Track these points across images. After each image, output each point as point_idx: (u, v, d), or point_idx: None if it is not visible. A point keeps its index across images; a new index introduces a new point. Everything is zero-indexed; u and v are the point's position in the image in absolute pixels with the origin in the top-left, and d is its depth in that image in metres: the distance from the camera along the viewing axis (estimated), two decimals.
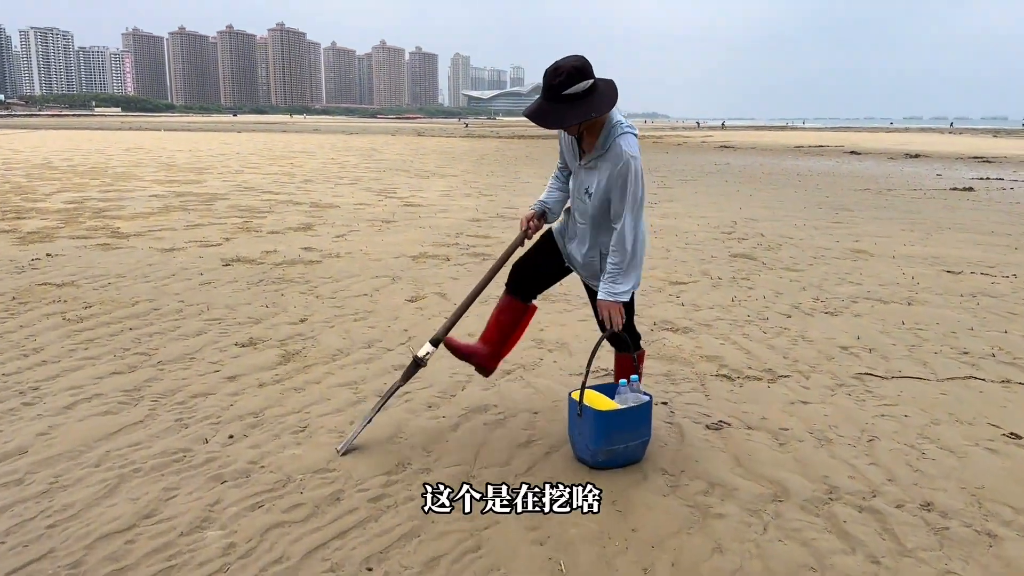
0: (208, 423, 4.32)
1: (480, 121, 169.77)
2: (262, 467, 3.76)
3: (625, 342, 3.94)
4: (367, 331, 6.05)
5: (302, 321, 6.32)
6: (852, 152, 37.19)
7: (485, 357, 4.07)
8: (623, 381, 3.77)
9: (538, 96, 3.39)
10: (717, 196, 16.60)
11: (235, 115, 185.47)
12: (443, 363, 5.22)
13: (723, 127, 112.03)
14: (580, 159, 3.58)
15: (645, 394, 3.79)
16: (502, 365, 5.17)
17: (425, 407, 4.55)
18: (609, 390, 3.91)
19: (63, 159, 25.63)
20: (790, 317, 6.49)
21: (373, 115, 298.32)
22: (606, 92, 3.33)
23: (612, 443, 3.66)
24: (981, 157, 32.67)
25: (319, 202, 14.63)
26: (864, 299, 7.13)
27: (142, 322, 6.29)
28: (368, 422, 3.96)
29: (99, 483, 3.57)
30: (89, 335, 5.91)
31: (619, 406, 3.70)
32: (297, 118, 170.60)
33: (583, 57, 3.32)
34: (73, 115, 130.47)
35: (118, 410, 4.49)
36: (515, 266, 3.93)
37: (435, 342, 3.91)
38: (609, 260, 3.58)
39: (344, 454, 3.86)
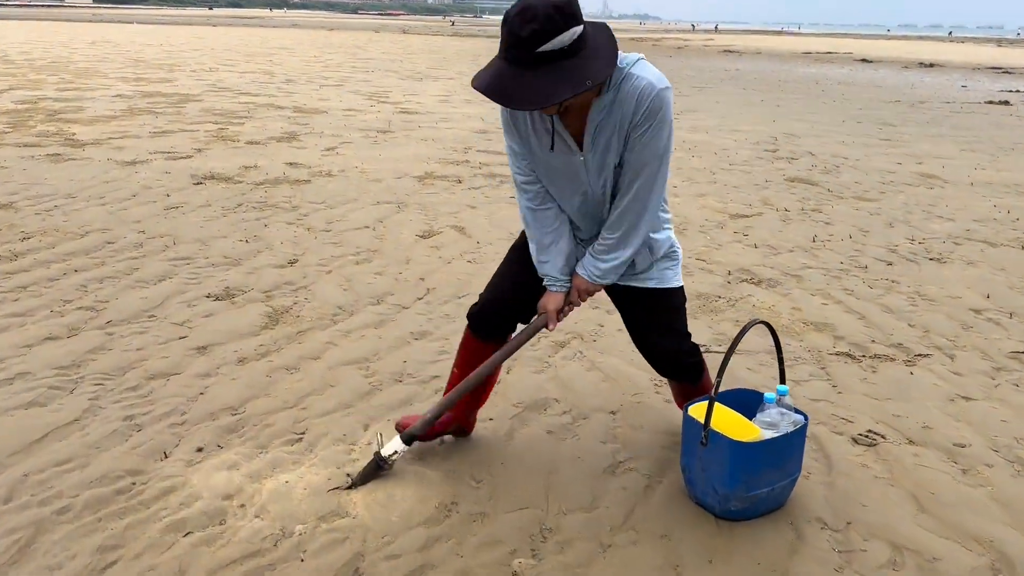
0: (169, 424, 3.15)
1: (466, 20, 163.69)
2: (242, 507, 2.61)
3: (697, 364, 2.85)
4: (373, 280, 4.82)
5: (291, 264, 5.08)
6: (863, 60, 35.42)
7: (463, 420, 2.99)
8: (770, 396, 2.59)
9: (494, 56, 2.14)
10: (741, 107, 15.19)
11: (211, 8, 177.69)
12: None
13: (716, 30, 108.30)
14: (568, 144, 2.34)
15: (798, 412, 2.63)
16: (556, 334, 3.99)
17: None
18: (739, 399, 2.75)
19: (21, 52, 23.56)
20: (892, 265, 5.31)
21: (354, 10, 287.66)
22: (601, 42, 2.13)
23: (753, 487, 2.53)
24: (998, 68, 31.10)
25: (303, 106, 13.12)
26: (967, 240, 5.96)
27: (91, 261, 5.03)
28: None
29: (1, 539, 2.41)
30: (22, 279, 4.66)
31: (763, 432, 2.54)
32: (276, 12, 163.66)
33: None
34: (41, 5, 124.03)
35: (47, 400, 3.30)
36: (487, 300, 2.75)
37: (408, 439, 2.73)
38: (605, 233, 2.49)
39: (355, 487, 2.72)
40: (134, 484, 2.76)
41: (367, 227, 5.94)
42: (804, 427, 2.58)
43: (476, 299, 2.80)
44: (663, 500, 2.68)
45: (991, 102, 17.43)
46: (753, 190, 7.56)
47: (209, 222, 5.95)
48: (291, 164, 8.14)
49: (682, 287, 2.69)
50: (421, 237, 5.70)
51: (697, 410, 2.65)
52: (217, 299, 4.45)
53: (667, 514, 2.61)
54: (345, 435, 3.08)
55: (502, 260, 2.80)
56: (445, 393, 2.88)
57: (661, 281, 2.61)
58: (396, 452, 2.70)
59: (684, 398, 2.94)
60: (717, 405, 2.65)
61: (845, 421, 3.21)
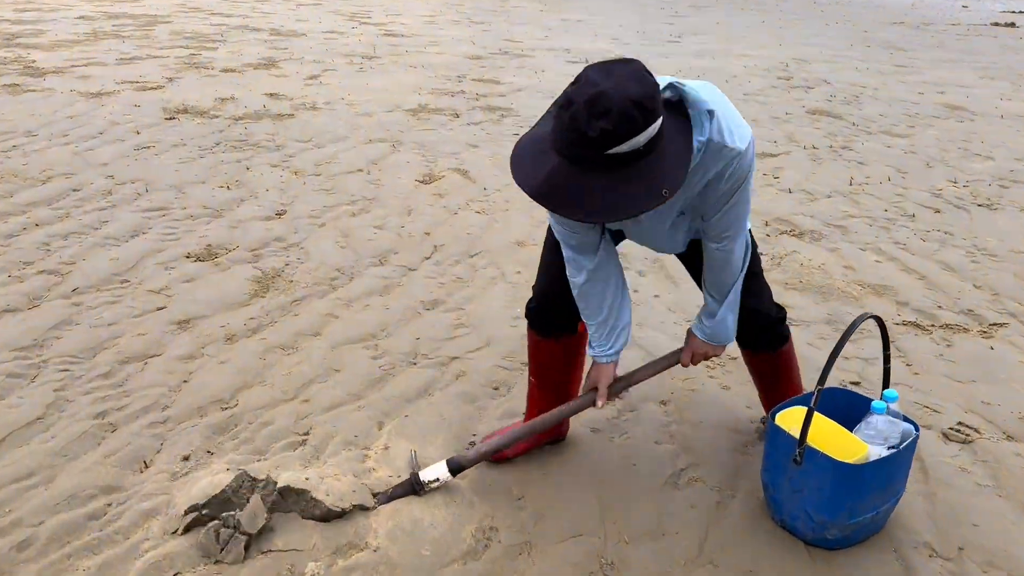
0: (148, 423, 2.69)
1: None
2: (241, 535, 2.17)
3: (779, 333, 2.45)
4: (373, 235, 4.30)
5: (279, 215, 4.54)
6: None
7: (519, 453, 2.54)
8: (878, 405, 2.15)
9: (540, 132, 1.72)
10: (744, 29, 14.46)
11: None
12: (495, 305, 3.57)
13: None
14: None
15: (907, 420, 2.20)
16: None
17: (489, 386, 2.93)
18: (831, 401, 2.32)
19: None
20: (940, 213, 4.86)
21: None
22: (678, 129, 1.72)
23: (857, 513, 2.12)
24: None
25: (280, 29, 12.26)
26: (1013, 183, 5.51)
27: (54, 213, 4.46)
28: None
29: None
30: None
31: (870, 448, 2.11)
32: None
33: (640, 65, 1.64)
34: None
35: (4, 392, 2.83)
36: (542, 295, 2.35)
37: (456, 469, 2.32)
38: (709, 291, 2.21)
39: (382, 504, 2.28)
40: (109, 506, 2.31)
41: (360, 170, 5.38)
42: (915, 441, 2.15)
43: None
44: (740, 522, 2.27)
45: (997, 24, 16.80)
46: (774, 124, 7.02)
47: (184, 165, 5.36)
48: (271, 95, 7.48)
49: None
50: (421, 182, 5.16)
51: (787, 418, 2.22)
52: (198, 260, 3.93)
53: (748, 541, 2.20)
54: (357, 436, 2.63)
55: (545, 242, 2.33)
56: (528, 409, 2.54)
57: None
58: (437, 480, 2.30)
59: (761, 375, 2.53)
60: (793, 409, 2.22)
61: (931, 411, 2.80)
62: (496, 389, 2.91)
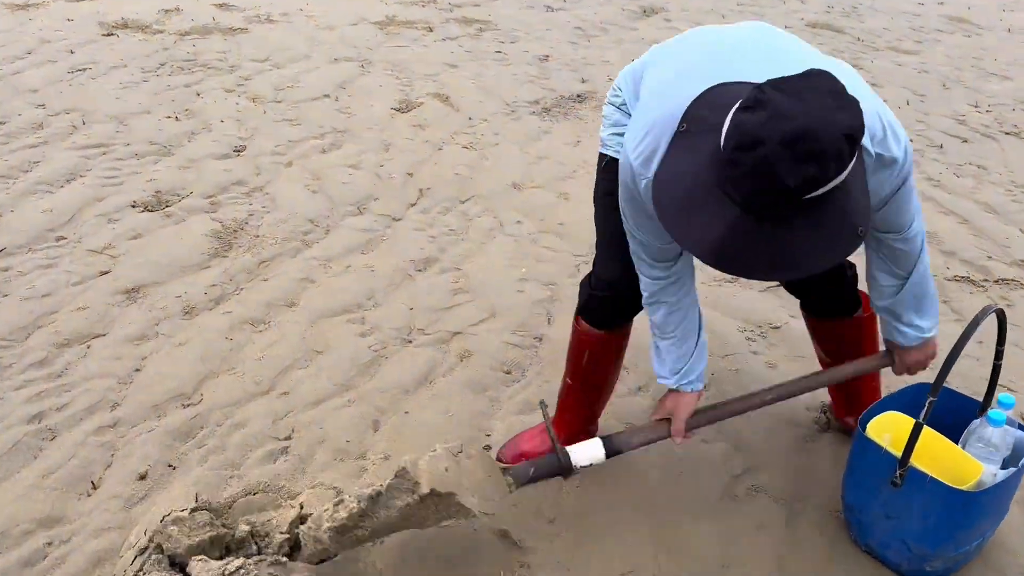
0: (95, 428, 2.25)
1: None
2: None
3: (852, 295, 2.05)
4: (349, 176, 3.77)
5: (238, 152, 3.97)
6: None
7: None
8: (996, 416, 1.77)
9: (690, 166, 1.32)
10: None
11: None
12: (497, 263, 3.11)
13: None
14: None
15: (1022, 427, 1.83)
16: None
17: (499, 369, 2.51)
18: (913, 401, 1.94)
19: None
20: (968, 143, 4.45)
21: None
22: (857, 162, 1.27)
23: (965, 543, 1.77)
24: None
25: None
26: None
27: None
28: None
29: None
30: None
31: (986, 468, 1.74)
32: None
33: (829, 76, 1.22)
34: None
35: None
36: (604, 286, 1.92)
37: (611, 452, 1.82)
38: (908, 284, 1.78)
39: (523, 485, 1.82)
40: (50, 545, 1.89)
41: (328, 96, 4.78)
42: None
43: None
44: (818, 547, 1.92)
45: None
46: None
47: (126, 91, 4.71)
48: (221, 6, 6.71)
49: None
50: (398, 111, 4.59)
51: (879, 427, 1.84)
52: (147, 210, 3.39)
53: (831, 572, 1.84)
54: (349, 441, 2.21)
55: (604, 214, 1.87)
56: (560, 413, 2.14)
57: None
58: (591, 465, 1.82)
59: (828, 350, 2.14)
60: (906, 419, 1.84)
61: (1004, 389, 2.44)
62: (508, 373, 2.49)
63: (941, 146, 4.38)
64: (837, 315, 2.06)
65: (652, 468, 2.13)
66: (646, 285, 1.72)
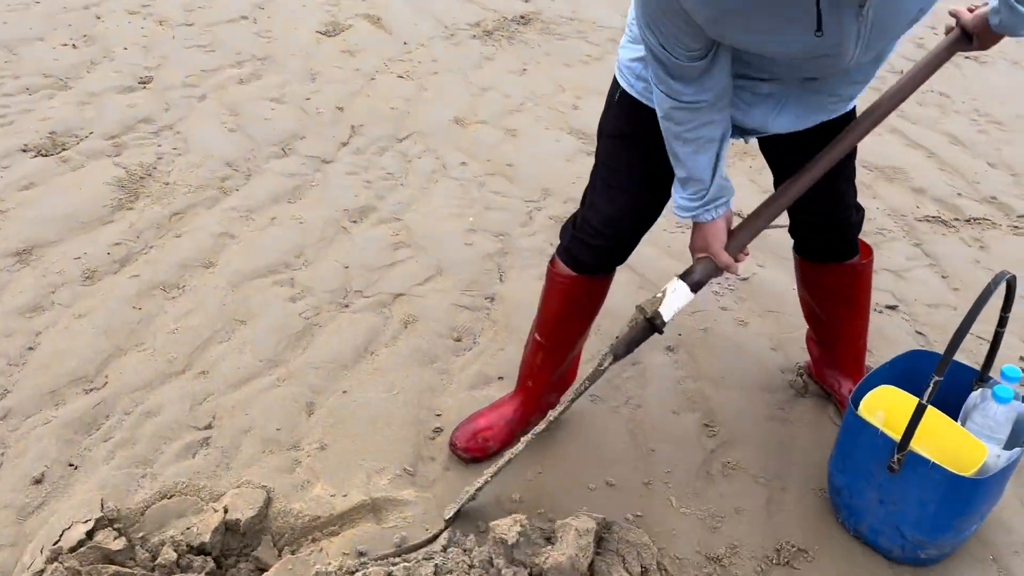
0: None
1: None
2: None
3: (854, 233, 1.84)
4: (271, 111, 3.39)
5: (144, 84, 3.54)
6: None
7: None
8: (1002, 393, 1.60)
9: None
10: None
11: None
12: (441, 212, 2.82)
13: None
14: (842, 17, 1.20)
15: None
16: (545, 206, 2.83)
17: (449, 336, 2.26)
18: (908, 369, 1.78)
19: None
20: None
21: None
22: None
23: (965, 530, 1.62)
24: None
25: None
26: None
27: None
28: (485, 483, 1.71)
29: None
30: None
31: (990, 450, 1.58)
32: None
33: None
34: None
35: None
36: (597, 227, 1.69)
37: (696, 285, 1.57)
38: None
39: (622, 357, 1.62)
40: None
41: (244, 17, 4.31)
42: None
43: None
44: (804, 532, 1.75)
45: None
46: None
47: (14, 14, 4.16)
48: None
49: None
50: (324, 34, 4.16)
51: (873, 404, 1.66)
52: (40, 154, 2.98)
53: (821, 562, 1.68)
54: (279, 429, 1.95)
55: (602, 156, 1.67)
56: (525, 378, 1.90)
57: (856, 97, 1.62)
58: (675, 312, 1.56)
59: (821, 297, 1.94)
60: (902, 395, 1.67)
61: (983, 342, 2.30)
62: (459, 340, 2.24)
63: (901, 71, 4.17)
64: (834, 260, 1.85)
65: (621, 448, 1.92)
66: (674, 112, 1.41)
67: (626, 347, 1.58)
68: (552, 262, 1.78)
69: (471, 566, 1.59)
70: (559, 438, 1.93)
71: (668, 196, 1.63)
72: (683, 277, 1.55)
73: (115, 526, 1.69)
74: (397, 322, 2.29)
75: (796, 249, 1.91)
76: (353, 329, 2.25)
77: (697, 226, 1.55)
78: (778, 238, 2.74)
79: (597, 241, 1.68)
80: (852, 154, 1.67)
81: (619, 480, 1.83)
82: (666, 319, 1.54)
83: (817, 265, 1.88)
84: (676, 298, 1.54)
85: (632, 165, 1.62)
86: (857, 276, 1.89)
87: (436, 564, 1.58)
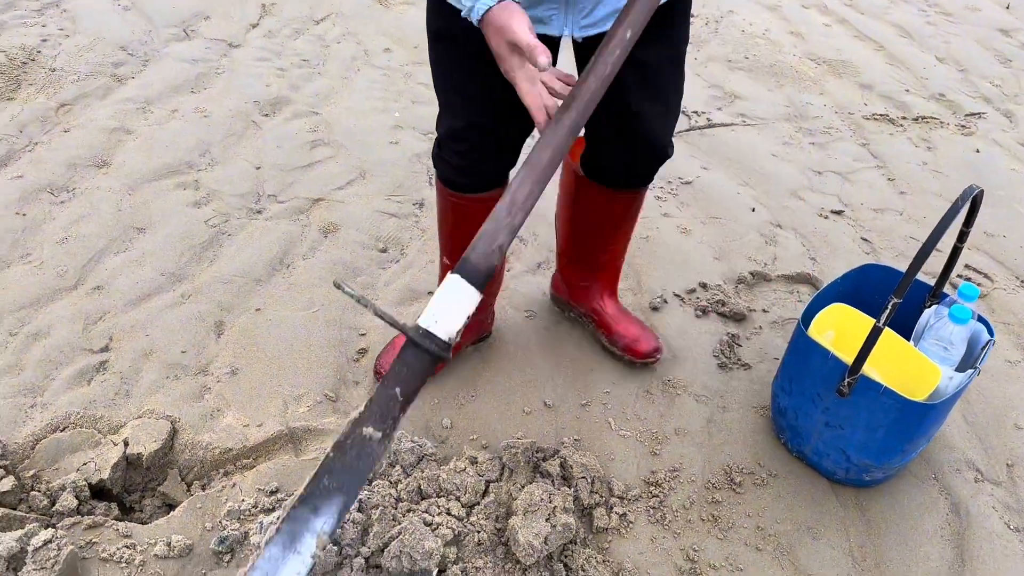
0: None
1: None
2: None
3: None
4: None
5: None
6: None
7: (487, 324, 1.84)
8: (959, 313, 1.53)
9: None
10: None
11: None
12: (362, 106, 2.58)
13: None
14: None
15: (981, 320, 1.62)
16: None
17: (374, 247, 2.08)
18: (858, 283, 1.70)
19: None
20: None
21: None
22: None
23: (912, 452, 1.58)
24: None
25: None
26: None
27: None
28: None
29: None
30: None
31: (943, 371, 1.53)
32: None
33: None
34: None
35: None
36: (469, 129, 1.47)
37: (482, 278, 1.06)
38: None
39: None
40: None
41: None
42: (988, 352, 1.57)
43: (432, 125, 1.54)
44: (745, 450, 1.69)
45: None
46: None
47: None
48: None
49: None
50: None
51: (823, 324, 1.58)
52: None
53: (766, 481, 1.62)
54: (185, 352, 1.77)
55: (439, 58, 1.45)
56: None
57: None
58: (467, 317, 1.06)
59: (600, 223, 1.74)
60: (854, 314, 1.59)
61: (937, 253, 2.24)
62: (384, 251, 2.07)
63: None
64: (637, 186, 1.64)
65: (556, 367, 1.81)
66: None
67: (405, 400, 1.05)
68: (437, 183, 1.61)
69: (398, 499, 1.49)
70: (492, 359, 1.81)
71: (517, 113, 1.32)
72: (460, 270, 1.06)
73: (1, 463, 1.52)
74: (316, 231, 2.10)
75: (594, 172, 1.64)
76: (266, 239, 2.05)
77: (485, 30, 1.19)
78: (723, 136, 2.61)
79: (455, 159, 1.51)
80: (676, 61, 1.47)
81: (556, 401, 1.73)
82: (446, 338, 1.04)
83: (607, 190, 1.64)
84: (457, 308, 1.05)
85: (460, 65, 1.40)
86: (638, 205, 1.72)
87: (360, 499, 1.47)
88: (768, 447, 1.70)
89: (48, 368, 1.71)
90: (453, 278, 1.05)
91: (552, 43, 1.37)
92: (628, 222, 1.74)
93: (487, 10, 1.17)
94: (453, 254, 1.67)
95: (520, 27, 1.15)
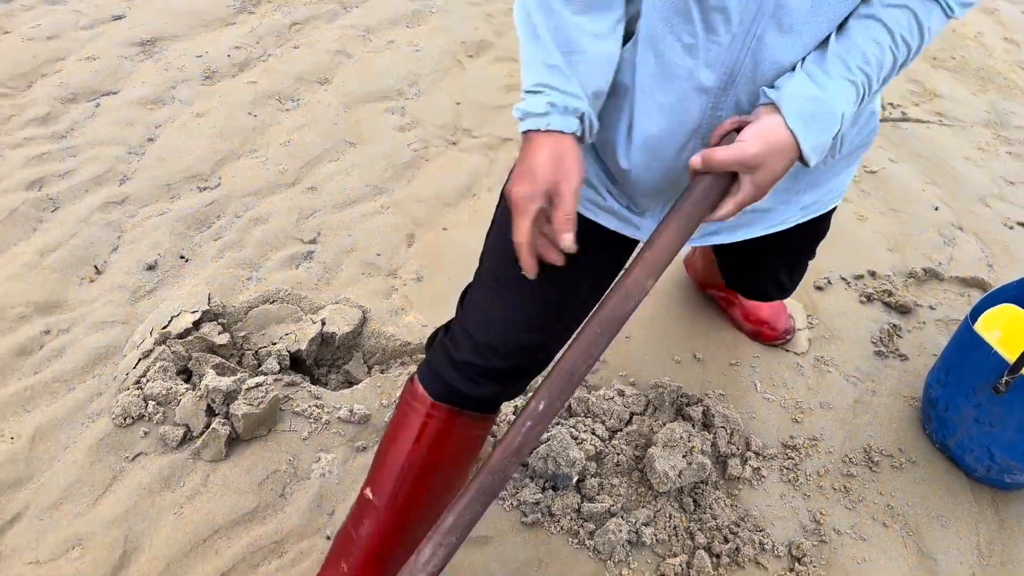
0: (100, 204, 2.06)
1: None
2: (223, 426, 1.61)
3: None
4: None
5: None
6: None
7: None
8: None
9: None
10: None
11: None
12: None
13: None
14: None
15: None
16: None
17: None
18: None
19: None
20: None
21: None
22: None
23: None
24: None
25: None
26: None
27: None
28: None
29: None
30: None
31: None
32: None
33: None
34: None
35: None
36: (480, 347, 1.13)
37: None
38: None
39: None
40: (47, 334, 1.76)
41: None
42: None
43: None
44: (891, 434, 1.71)
45: None
46: None
47: None
48: None
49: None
50: None
51: (992, 321, 1.58)
52: None
53: (904, 466, 1.65)
54: (380, 254, 1.98)
55: (480, 277, 1.20)
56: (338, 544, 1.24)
57: (828, 198, 1.25)
58: None
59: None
60: (1018, 312, 1.58)
61: None
62: None
63: None
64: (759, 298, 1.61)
65: (714, 324, 1.89)
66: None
67: None
68: (411, 381, 1.21)
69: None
70: (649, 306, 1.91)
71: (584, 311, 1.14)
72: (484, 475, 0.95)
73: (220, 321, 1.77)
74: (502, 168, 2.26)
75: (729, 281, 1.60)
76: (458, 168, 2.23)
77: (537, 143, 0.94)
78: (916, 132, 2.56)
79: (476, 359, 1.13)
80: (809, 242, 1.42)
81: (706, 356, 1.82)
82: None
83: (746, 296, 1.62)
84: None
85: (492, 292, 1.14)
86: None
87: (515, 405, 1.62)
88: (912, 436, 1.72)
89: (264, 249, 1.95)
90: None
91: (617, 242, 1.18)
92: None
93: (558, 131, 0.93)
94: (379, 475, 1.19)
95: (577, 187, 0.93)
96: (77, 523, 1.41)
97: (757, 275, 1.50)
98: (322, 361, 1.81)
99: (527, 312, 1.12)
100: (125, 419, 1.56)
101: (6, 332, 1.69)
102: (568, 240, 0.93)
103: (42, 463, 1.49)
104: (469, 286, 1.20)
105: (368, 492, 1.19)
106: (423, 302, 1.86)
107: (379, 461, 1.20)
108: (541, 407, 0.95)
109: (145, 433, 1.54)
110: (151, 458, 1.51)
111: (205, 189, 2.08)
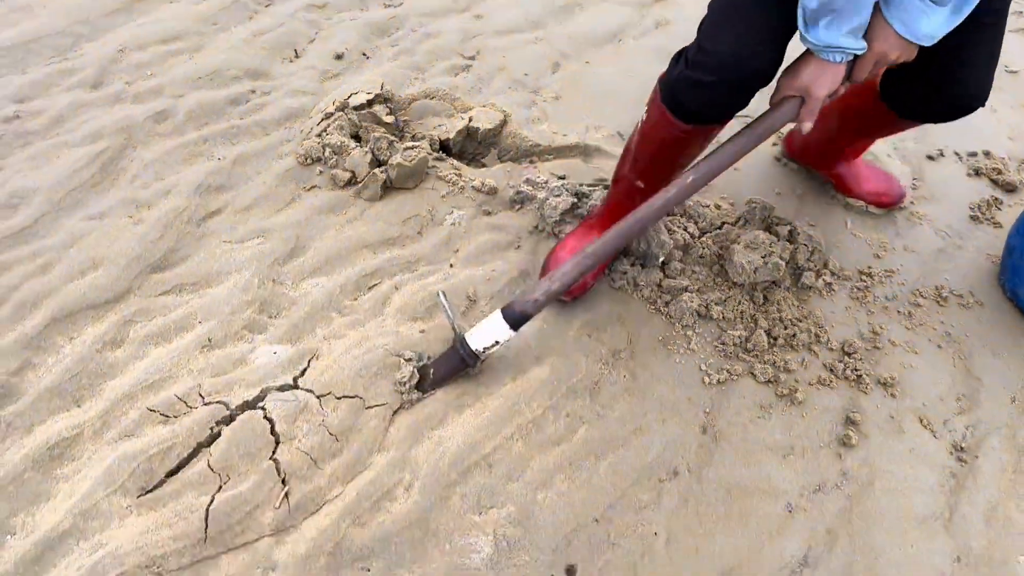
0: (304, 5, 2.40)
1: None
2: (379, 171, 1.95)
3: None
4: None
5: None
6: None
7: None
8: None
9: None
10: None
11: None
12: None
13: None
14: None
15: None
16: None
17: None
18: None
19: None
20: None
21: None
22: None
23: None
24: None
25: None
26: None
27: None
28: None
29: None
30: None
31: None
32: None
33: None
34: None
35: None
36: (723, 62, 1.33)
37: (516, 322, 1.45)
38: None
39: (432, 390, 1.53)
40: (253, 93, 2.11)
41: None
42: None
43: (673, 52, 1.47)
44: (966, 280, 1.85)
45: None
46: None
47: None
48: None
49: None
50: None
51: None
52: None
53: (972, 307, 1.79)
54: (527, 75, 2.24)
55: None
56: (606, 215, 1.70)
57: None
58: (496, 344, 1.47)
59: (873, 131, 1.80)
60: None
61: None
62: None
63: None
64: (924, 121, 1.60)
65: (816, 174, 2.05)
66: None
67: (433, 383, 1.51)
68: (656, 98, 1.46)
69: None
70: (761, 153, 2.09)
71: (777, 56, 1.35)
72: (506, 312, 1.43)
73: (388, 104, 2.10)
74: (651, 22, 2.46)
75: (886, 96, 1.60)
76: (609, 17, 2.45)
77: (811, 62, 1.30)
78: None
79: (707, 83, 1.34)
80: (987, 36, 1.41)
81: (805, 192, 1.99)
82: (475, 348, 1.46)
83: (897, 118, 1.61)
84: (492, 332, 1.45)
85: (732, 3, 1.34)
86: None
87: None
88: (986, 286, 1.84)
89: (431, 58, 2.27)
90: (497, 315, 1.45)
91: None
92: (899, 130, 1.74)
93: (839, 59, 1.26)
94: (639, 164, 1.59)
95: (831, 87, 1.30)
96: (263, 222, 1.78)
97: (963, 69, 1.44)
98: (465, 153, 2.11)
99: (757, 28, 1.32)
100: (306, 159, 1.92)
101: (222, 86, 2.09)
102: (807, 128, 1.38)
103: (239, 179, 1.88)
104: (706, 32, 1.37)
105: (638, 181, 1.60)
106: (557, 116, 2.12)
107: (636, 156, 1.57)
108: (689, 180, 1.39)
109: (320, 172, 1.90)
110: (323, 191, 1.87)
111: (390, 6, 2.42)
